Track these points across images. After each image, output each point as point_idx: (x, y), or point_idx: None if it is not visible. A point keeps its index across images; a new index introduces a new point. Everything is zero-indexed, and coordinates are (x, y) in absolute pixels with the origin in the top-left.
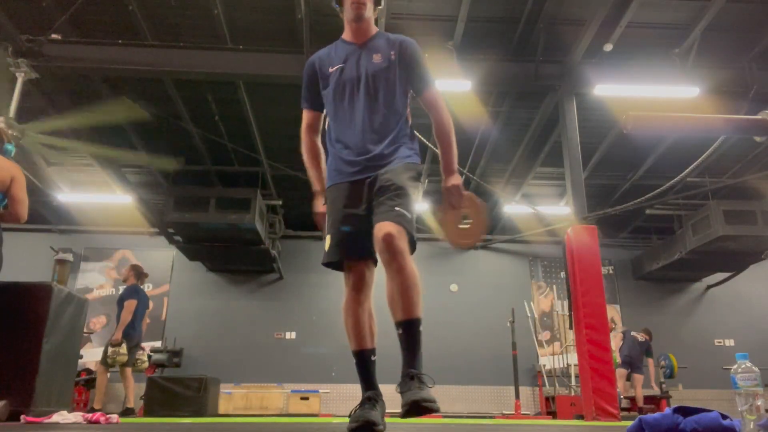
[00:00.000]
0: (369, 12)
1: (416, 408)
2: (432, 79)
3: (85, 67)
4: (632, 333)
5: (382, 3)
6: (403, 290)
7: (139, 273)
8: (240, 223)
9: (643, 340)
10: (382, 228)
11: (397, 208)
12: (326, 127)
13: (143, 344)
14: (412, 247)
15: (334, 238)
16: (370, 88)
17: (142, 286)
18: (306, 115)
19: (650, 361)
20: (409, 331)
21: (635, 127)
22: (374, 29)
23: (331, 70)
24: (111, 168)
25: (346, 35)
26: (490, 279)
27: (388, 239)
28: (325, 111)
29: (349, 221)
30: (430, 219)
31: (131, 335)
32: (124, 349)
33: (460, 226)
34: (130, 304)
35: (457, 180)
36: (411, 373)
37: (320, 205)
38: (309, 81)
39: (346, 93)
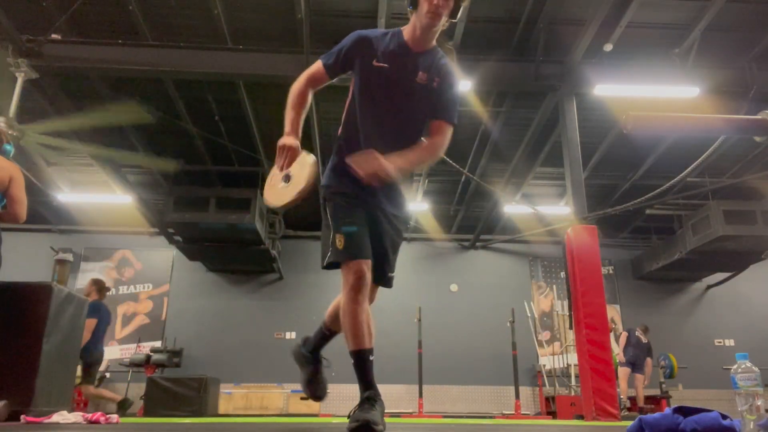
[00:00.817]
0: (440, 24)
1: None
2: (455, 114)
3: (85, 67)
4: (636, 333)
5: (457, 17)
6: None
7: (101, 288)
8: (240, 223)
9: (646, 341)
10: (372, 292)
11: (390, 274)
12: (344, 118)
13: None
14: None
15: (348, 238)
16: (404, 103)
17: (103, 301)
18: (317, 67)
19: (649, 361)
20: None
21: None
22: (434, 42)
23: (375, 63)
24: (111, 168)
25: (407, 33)
26: (490, 279)
27: (371, 302)
28: (335, 78)
29: (359, 223)
30: (430, 219)
31: (92, 353)
32: (78, 371)
33: (279, 186)
34: (90, 324)
35: (383, 161)
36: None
37: (292, 139)
38: (348, 49)
39: (378, 97)
